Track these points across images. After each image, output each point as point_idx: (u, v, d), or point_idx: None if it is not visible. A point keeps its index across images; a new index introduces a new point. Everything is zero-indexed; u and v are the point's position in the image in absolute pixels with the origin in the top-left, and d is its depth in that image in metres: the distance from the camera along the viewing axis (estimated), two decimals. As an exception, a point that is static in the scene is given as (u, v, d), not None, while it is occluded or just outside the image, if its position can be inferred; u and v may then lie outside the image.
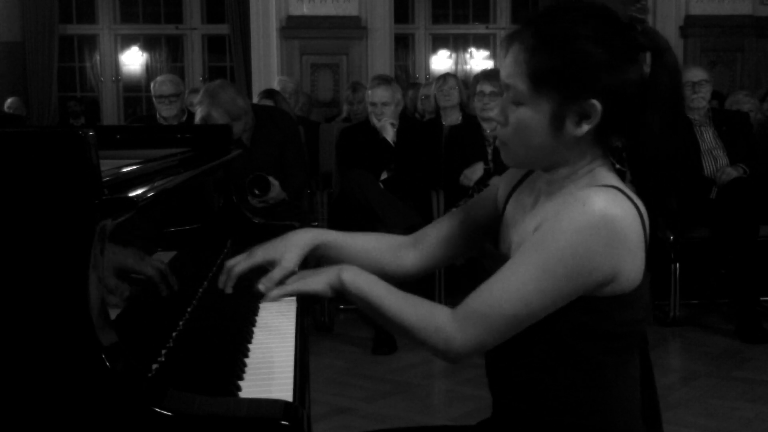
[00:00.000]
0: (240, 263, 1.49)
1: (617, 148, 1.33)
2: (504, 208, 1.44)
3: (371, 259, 1.54)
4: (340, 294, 1.33)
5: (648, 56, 1.28)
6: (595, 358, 1.26)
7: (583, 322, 1.23)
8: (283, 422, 0.95)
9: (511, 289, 1.20)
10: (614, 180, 1.26)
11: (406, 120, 4.85)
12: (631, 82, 1.24)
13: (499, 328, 1.21)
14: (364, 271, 1.34)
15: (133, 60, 10.06)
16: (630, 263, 1.22)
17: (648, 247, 1.25)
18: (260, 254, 1.49)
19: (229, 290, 1.49)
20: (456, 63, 10.15)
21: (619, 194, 1.22)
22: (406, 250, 1.55)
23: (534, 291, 1.19)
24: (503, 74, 1.30)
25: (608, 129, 1.26)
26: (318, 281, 1.33)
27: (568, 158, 1.28)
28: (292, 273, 1.41)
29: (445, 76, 5.15)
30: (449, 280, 4.38)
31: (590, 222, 1.18)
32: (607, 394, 1.29)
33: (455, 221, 1.53)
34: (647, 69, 1.28)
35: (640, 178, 1.30)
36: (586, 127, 1.24)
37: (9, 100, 7.97)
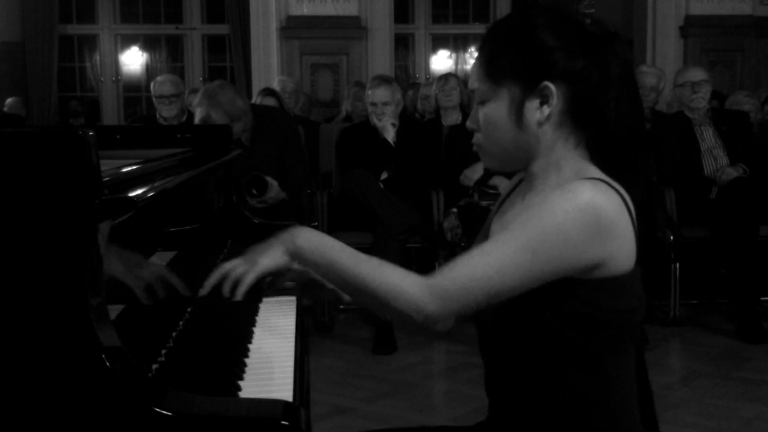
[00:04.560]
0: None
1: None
2: (499, 208, 1.47)
3: None
4: (297, 260, 1.28)
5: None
6: (589, 349, 1.26)
7: (572, 307, 1.23)
8: (283, 422, 0.95)
9: (491, 261, 1.19)
10: (600, 174, 1.29)
11: (406, 120, 4.85)
12: (590, 69, 1.28)
13: (476, 299, 1.19)
14: (319, 233, 1.30)
15: (133, 60, 10.07)
16: (618, 249, 1.23)
17: (638, 237, 1.26)
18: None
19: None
20: (456, 63, 10.16)
21: (605, 185, 1.24)
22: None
23: (512, 264, 1.18)
24: (470, 84, 1.37)
25: (576, 116, 1.30)
26: (273, 256, 1.28)
27: (541, 148, 1.31)
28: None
29: (446, 76, 5.14)
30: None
31: (577, 207, 1.19)
32: (606, 393, 1.29)
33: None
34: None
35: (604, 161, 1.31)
36: (547, 111, 1.28)
37: (9, 100, 7.98)
